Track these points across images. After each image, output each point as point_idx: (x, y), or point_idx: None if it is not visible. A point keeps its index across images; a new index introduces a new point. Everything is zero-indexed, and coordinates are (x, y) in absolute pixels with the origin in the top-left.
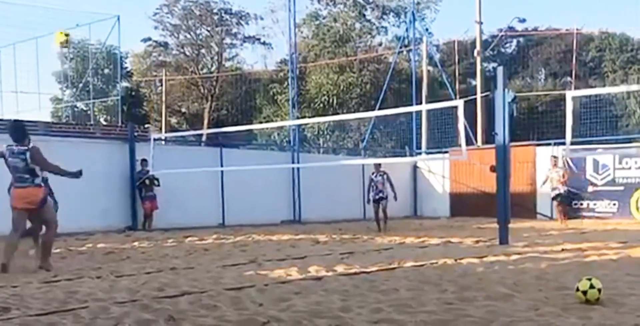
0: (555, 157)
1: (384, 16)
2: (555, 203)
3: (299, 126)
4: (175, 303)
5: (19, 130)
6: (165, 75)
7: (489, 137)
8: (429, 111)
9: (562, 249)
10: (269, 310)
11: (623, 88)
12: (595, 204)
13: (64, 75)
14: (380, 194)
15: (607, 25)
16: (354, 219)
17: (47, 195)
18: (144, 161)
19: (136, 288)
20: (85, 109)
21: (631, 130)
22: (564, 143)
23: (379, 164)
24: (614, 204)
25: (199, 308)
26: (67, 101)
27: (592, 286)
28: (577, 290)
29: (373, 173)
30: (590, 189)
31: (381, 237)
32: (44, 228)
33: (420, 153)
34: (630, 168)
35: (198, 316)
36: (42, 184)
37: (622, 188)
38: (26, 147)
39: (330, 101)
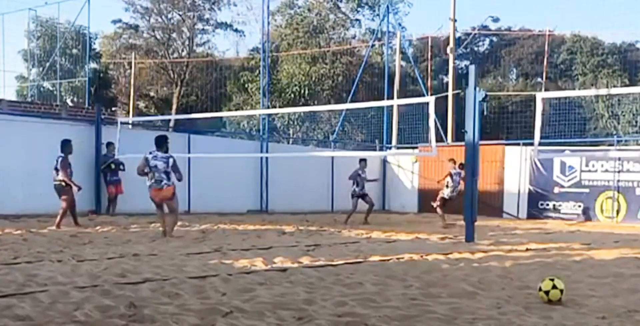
0: (453, 160)
1: (359, 9)
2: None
3: (269, 115)
4: (136, 290)
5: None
6: (135, 58)
7: (459, 135)
8: (400, 106)
9: (527, 249)
10: (232, 300)
11: (592, 92)
12: (560, 206)
13: (31, 53)
14: (365, 190)
15: (579, 29)
16: (321, 211)
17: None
18: (109, 144)
19: (97, 273)
20: (51, 89)
21: (599, 133)
22: (532, 144)
23: (365, 160)
24: (579, 206)
25: (161, 295)
26: (33, 80)
27: (554, 287)
28: (540, 289)
29: (359, 169)
30: (556, 190)
31: (348, 230)
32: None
33: (390, 148)
34: (596, 171)
35: (159, 303)
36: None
37: (587, 190)
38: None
39: (302, 91)
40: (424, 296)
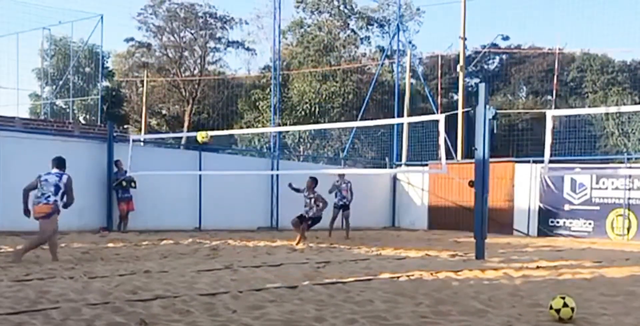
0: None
1: (368, 27)
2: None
3: (280, 132)
4: (147, 307)
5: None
6: (147, 76)
7: (469, 152)
8: (410, 124)
9: (537, 267)
10: (242, 317)
11: (602, 109)
12: (571, 223)
13: (44, 72)
14: (344, 201)
15: (589, 46)
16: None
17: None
18: (117, 161)
19: (109, 290)
20: (64, 107)
21: (609, 151)
22: (542, 161)
23: (343, 174)
24: (590, 224)
25: (172, 312)
26: (46, 98)
27: (565, 305)
28: (551, 307)
29: (337, 181)
30: (566, 207)
31: (358, 247)
32: None
33: (400, 165)
34: (607, 188)
35: (170, 321)
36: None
37: (598, 207)
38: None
39: (312, 109)
40: (434, 314)
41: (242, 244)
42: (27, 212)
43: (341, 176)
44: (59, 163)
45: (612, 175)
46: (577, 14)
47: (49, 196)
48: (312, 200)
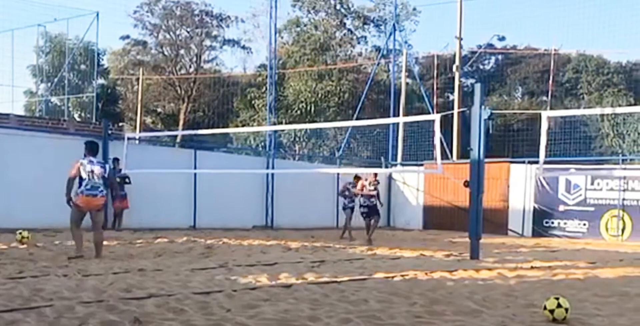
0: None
1: (365, 26)
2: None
3: (276, 131)
4: (141, 305)
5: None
6: (143, 74)
7: (465, 153)
8: (406, 123)
9: (532, 267)
10: (236, 316)
11: (597, 111)
12: (565, 224)
13: (39, 69)
14: (353, 203)
15: (585, 47)
16: (326, 228)
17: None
18: (115, 160)
19: (103, 288)
20: (59, 104)
21: (604, 152)
22: (537, 162)
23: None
24: (584, 225)
25: (166, 311)
26: (41, 95)
27: (559, 305)
28: (545, 308)
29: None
30: (561, 208)
31: (353, 247)
32: None
33: (395, 165)
34: (601, 189)
35: (164, 319)
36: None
37: (592, 208)
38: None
39: (308, 108)
40: (428, 313)
41: (237, 243)
42: (70, 201)
43: (358, 177)
44: (96, 148)
45: (606, 176)
46: (573, 15)
47: (102, 189)
48: (377, 191)
